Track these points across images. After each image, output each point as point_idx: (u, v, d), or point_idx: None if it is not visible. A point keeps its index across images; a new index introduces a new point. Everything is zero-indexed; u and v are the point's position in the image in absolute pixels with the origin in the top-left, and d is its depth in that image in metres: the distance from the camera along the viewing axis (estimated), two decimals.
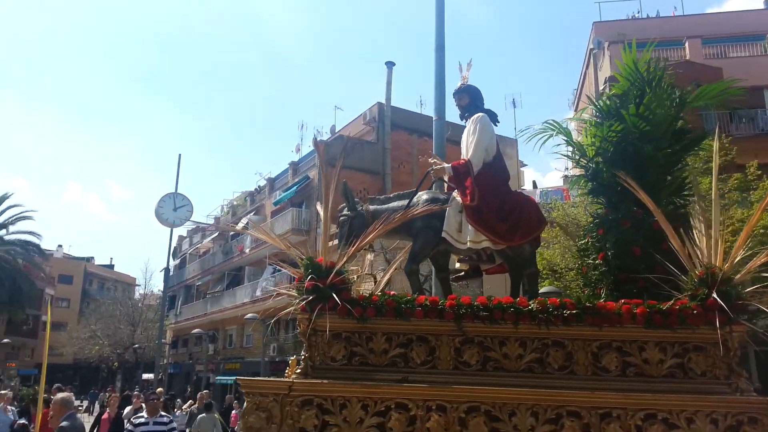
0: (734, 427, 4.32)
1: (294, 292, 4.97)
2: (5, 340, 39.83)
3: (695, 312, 4.67)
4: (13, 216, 37.24)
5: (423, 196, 5.82)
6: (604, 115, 6.14)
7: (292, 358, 5.17)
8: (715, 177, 5.08)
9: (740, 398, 4.46)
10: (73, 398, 8.93)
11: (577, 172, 6.42)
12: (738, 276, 4.77)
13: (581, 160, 6.20)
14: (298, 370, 4.80)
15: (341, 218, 5.81)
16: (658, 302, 4.79)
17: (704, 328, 4.67)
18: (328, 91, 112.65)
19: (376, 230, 5.12)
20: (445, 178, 5.95)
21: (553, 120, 6.41)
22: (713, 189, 5.03)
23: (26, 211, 37.73)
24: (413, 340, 4.87)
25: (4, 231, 37.63)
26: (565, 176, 26.89)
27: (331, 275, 4.85)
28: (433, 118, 9.52)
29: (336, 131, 36.82)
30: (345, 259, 5.04)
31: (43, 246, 39.34)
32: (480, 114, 5.89)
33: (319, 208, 5.21)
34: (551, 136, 6.32)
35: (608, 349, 4.77)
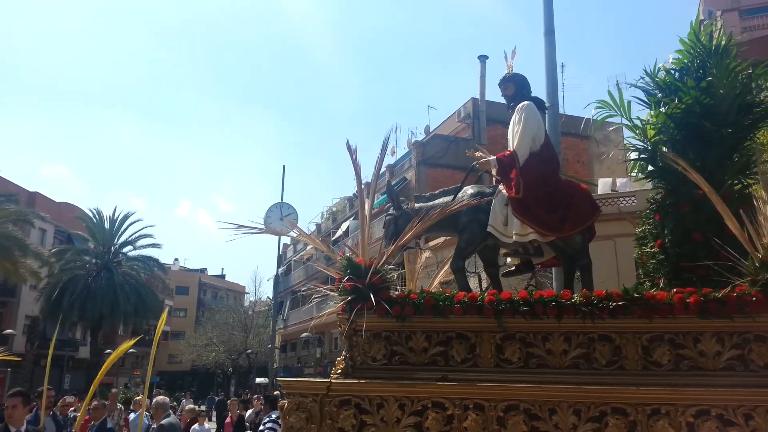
0: None
1: (335, 293, 5.04)
2: (131, 350, 42.80)
3: (755, 299, 4.30)
4: (134, 233, 40.02)
5: (468, 190, 5.73)
6: (664, 90, 5.77)
7: (339, 358, 5.23)
8: None
9: None
10: (168, 401, 9.60)
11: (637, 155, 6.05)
12: None
13: (640, 140, 5.86)
14: (339, 370, 4.86)
15: (387, 217, 5.83)
16: (715, 290, 4.45)
17: (766, 316, 4.29)
18: (420, 91, 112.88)
19: (414, 228, 5.09)
20: (492, 171, 5.82)
21: (611, 97, 6.07)
22: None
23: (146, 227, 40.46)
24: (453, 338, 4.79)
25: (129, 248, 40.50)
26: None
27: (370, 275, 4.87)
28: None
29: (430, 131, 36.79)
30: (384, 258, 5.05)
31: (161, 260, 42.06)
32: (525, 102, 5.71)
33: (366, 207, 5.24)
34: (608, 116, 6.01)
35: (660, 342, 4.49)
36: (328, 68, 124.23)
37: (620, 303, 4.51)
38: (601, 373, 4.52)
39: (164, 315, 10.88)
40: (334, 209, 41.40)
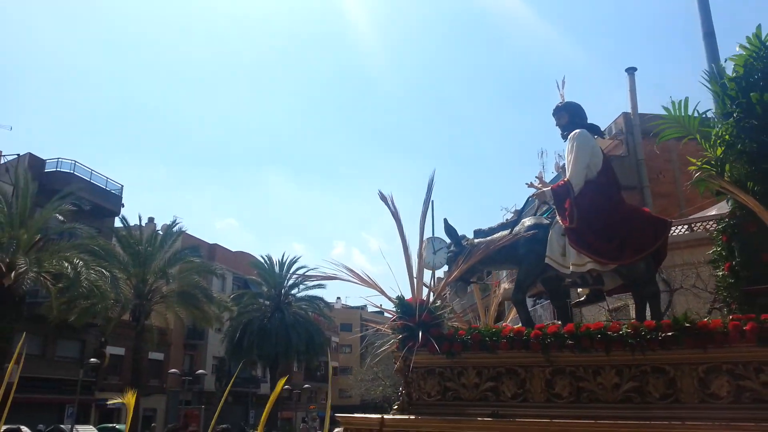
0: None
1: (390, 331, 5.30)
2: (306, 386, 45.24)
3: None
4: (301, 275, 42.55)
5: (526, 222, 5.74)
6: (733, 100, 5.41)
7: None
8: None
9: None
10: None
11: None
12: None
13: (709, 155, 5.52)
14: (396, 406, 5.08)
15: (448, 255, 5.98)
16: None
17: None
18: None
19: (459, 266, 5.22)
20: (550, 202, 5.77)
21: (676, 108, 5.80)
22: None
23: (310, 269, 42.91)
24: (503, 373, 4.84)
25: (296, 289, 43.21)
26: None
27: (420, 313, 5.07)
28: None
29: None
30: (435, 296, 5.23)
31: (325, 299, 44.33)
32: (577, 131, 5.63)
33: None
34: (672, 134, 5.74)
35: (717, 373, 4.20)
36: (467, 105, 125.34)
37: (670, 333, 4.30)
38: (655, 406, 4.32)
39: (329, 352, 11.71)
40: None
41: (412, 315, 5.10)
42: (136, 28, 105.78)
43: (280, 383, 9.13)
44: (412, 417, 4.82)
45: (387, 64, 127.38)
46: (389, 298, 5.36)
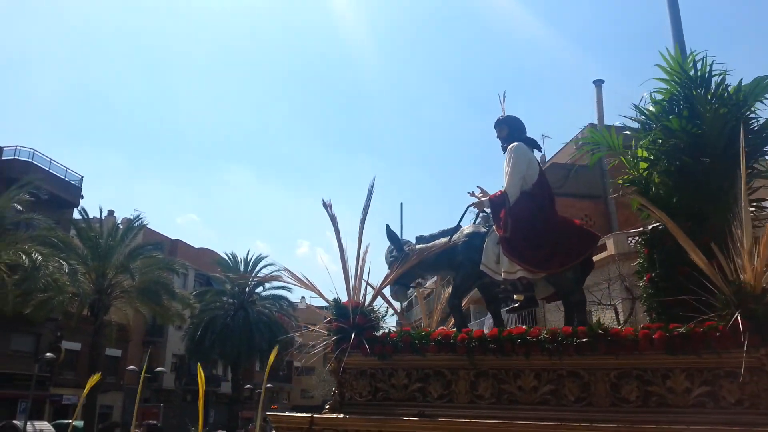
0: None
1: (325, 333, 5.44)
2: (268, 385, 45.04)
3: (719, 334, 4.16)
4: (266, 274, 42.35)
5: (465, 230, 5.93)
6: (653, 123, 5.69)
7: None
8: (743, 179, 4.47)
9: None
10: None
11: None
12: None
13: (633, 173, 5.79)
14: (327, 406, 5.22)
15: (390, 259, 6.14)
16: (684, 325, 4.34)
17: (735, 352, 4.13)
18: (533, 121, 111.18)
19: (395, 271, 5.39)
20: (487, 211, 5.98)
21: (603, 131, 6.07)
22: (742, 195, 4.43)
23: (276, 269, 42.79)
24: (430, 375, 5.01)
25: (261, 288, 43.03)
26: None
27: (354, 316, 5.23)
28: None
29: (547, 160, 36.19)
30: (370, 300, 5.39)
31: (290, 298, 44.24)
32: (515, 144, 5.84)
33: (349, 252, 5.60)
34: (599, 153, 5.99)
35: (628, 379, 4.44)
36: (435, 107, 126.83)
37: (585, 340, 4.52)
38: (570, 409, 4.54)
39: (274, 353, 11.64)
40: None
41: (346, 317, 5.25)
42: (96, 14, 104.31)
43: (201, 376, 9.17)
44: (341, 416, 4.97)
45: (358, 63, 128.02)
46: (327, 300, 5.50)
